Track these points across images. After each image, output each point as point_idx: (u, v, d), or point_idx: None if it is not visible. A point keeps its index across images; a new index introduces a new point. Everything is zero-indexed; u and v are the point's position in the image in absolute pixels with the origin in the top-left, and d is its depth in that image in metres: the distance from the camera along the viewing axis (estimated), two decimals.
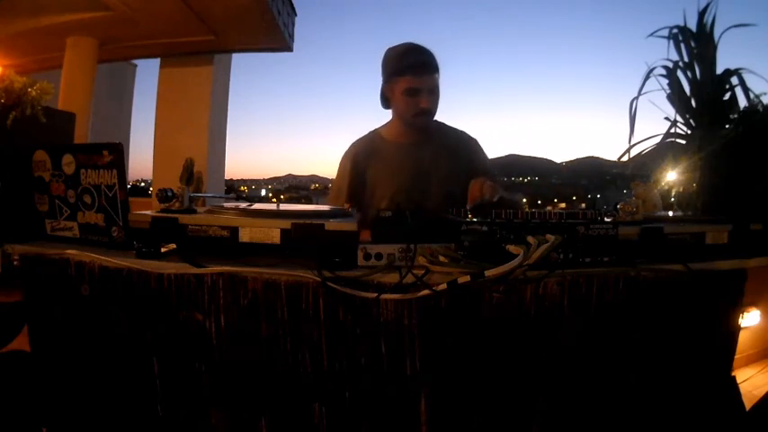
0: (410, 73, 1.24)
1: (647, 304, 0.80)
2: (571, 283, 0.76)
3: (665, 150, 1.24)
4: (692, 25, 1.22)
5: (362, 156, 1.37)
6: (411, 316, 0.76)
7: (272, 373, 0.79)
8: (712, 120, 1.18)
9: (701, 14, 1.21)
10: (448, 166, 1.33)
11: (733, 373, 0.93)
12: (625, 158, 1.25)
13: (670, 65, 1.24)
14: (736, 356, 0.92)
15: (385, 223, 0.80)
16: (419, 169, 1.32)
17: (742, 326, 0.92)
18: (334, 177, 1.43)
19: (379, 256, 0.76)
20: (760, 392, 1.02)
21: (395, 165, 1.34)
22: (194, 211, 0.88)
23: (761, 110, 1.13)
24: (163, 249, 0.84)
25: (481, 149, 1.42)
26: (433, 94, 1.27)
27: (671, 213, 1.08)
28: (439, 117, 1.40)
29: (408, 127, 1.35)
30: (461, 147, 1.38)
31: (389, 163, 1.34)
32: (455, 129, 1.42)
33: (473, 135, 1.42)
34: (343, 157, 1.41)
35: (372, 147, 1.39)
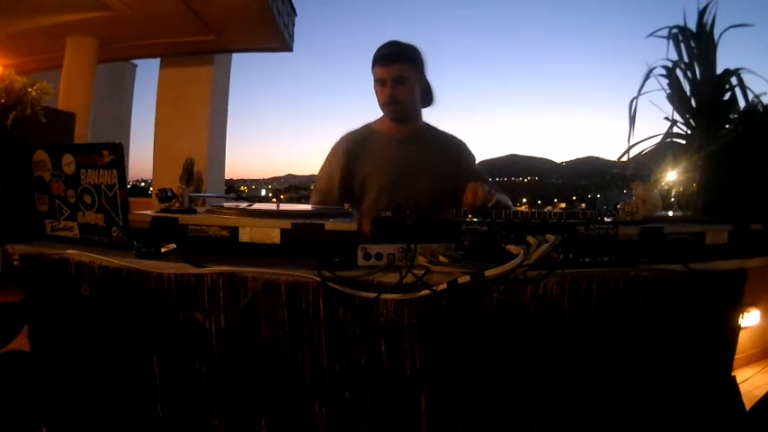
0: (378, 63, 1.32)
1: (647, 304, 0.80)
2: (571, 283, 0.76)
3: (664, 150, 1.23)
4: (692, 25, 1.22)
5: (353, 145, 1.40)
6: (411, 316, 0.75)
7: (272, 373, 0.79)
8: (712, 120, 1.18)
9: (701, 14, 1.21)
10: (435, 164, 1.36)
11: (733, 373, 0.93)
12: (625, 158, 1.25)
13: (670, 65, 1.23)
14: (736, 356, 0.92)
15: (385, 223, 0.80)
16: (407, 163, 1.35)
17: (742, 326, 0.92)
18: (322, 166, 1.44)
19: (379, 256, 0.76)
20: (760, 392, 1.02)
21: (384, 156, 1.37)
22: (194, 211, 0.88)
23: (761, 110, 1.13)
24: (163, 249, 0.84)
25: (469, 152, 1.46)
26: (402, 84, 1.32)
27: (671, 213, 1.08)
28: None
29: (392, 121, 1.39)
30: (449, 147, 1.43)
31: (379, 154, 1.38)
32: (443, 131, 1.47)
33: (461, 138, 1.47)
34: (334, 146, 1.43)
35: (363, 138, 1.42)
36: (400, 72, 1.31)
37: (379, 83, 1.33)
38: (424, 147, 1.38)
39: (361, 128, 1.45)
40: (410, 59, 1.33)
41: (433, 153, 1.37)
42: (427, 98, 1.42)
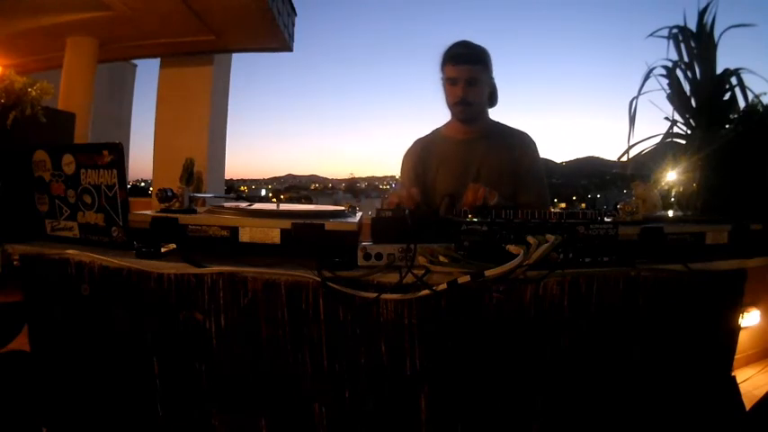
0: (451, 62, 1.33)
1: (647, 304, 0.80)
2: (571, 284, 0.76)
3: (664, 150, 1.23)
4: (692, 25, 1.22)
5: (420, 151, 1.46)
6: (411, 316, 0.75)
7: (272, 373, 0.79)
8: (712, 120, 1.17)
9: (701, 14, 1.21)
10: (494, 164, 1.36)
11: (733, 373, 0.93)
12: (625, 158, 1.24)
13: (670, 65, 1.23)
14: (736, 356, 0.92)
15: (385, 223, 0.80)
16: (468, 165, 1.37)
17: (742, 326, 0.92)
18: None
19: (379, 256, 0.76)
20: (760, 392, 1.02)
21: (446, 159, 1.41)
22: (194, 211, 0.88)
23: (761, 110, 1.13)
24: (163, 249, 0.84)
25: (532, 151, 1.42)
26: (474, 86, 1.34)
27: (671, 213, 1.08)
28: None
29: (460, 122, 1.41)
30: (514, 147, 1.40)
31: (442, 157, 1.42)
32: (513, 129, 1.45)
33: (528, 134, 1.43)
34: (406, 152, 1.50)
35: (430, 143, 1.47)
36: (473, 73, 1.33)
37: (450, 82, 1.34)
38: (487, 147, 1.38)
39: (431, 133, 1.50)
40: (483, 61, 1.34)
41: (494, 153, 1.37)
42: (493, 99, 1.44)
